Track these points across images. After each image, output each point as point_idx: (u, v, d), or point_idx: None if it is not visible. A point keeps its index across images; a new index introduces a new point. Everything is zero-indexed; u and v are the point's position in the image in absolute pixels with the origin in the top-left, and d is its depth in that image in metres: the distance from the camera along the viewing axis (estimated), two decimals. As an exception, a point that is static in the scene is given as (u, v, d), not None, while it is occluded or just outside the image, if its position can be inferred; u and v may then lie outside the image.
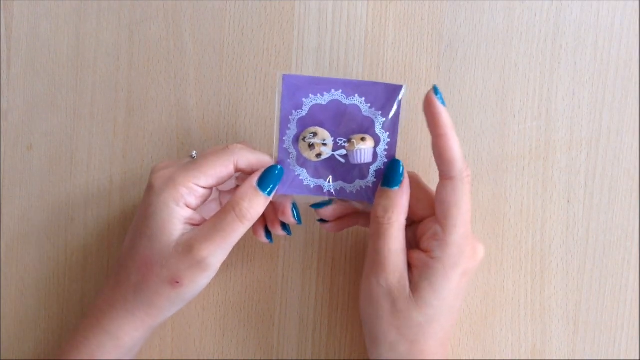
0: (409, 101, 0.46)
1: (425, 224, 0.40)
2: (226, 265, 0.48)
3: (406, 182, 0.39)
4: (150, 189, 0.40)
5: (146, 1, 0.48)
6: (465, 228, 0.38)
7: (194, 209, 0.40)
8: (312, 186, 0.41)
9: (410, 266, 0.39)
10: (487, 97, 0.47)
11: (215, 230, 0.39)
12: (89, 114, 0.48)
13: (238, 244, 0.48)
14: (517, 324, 0.47)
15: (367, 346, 0.41)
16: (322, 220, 0.44)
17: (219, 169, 0.39)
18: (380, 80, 0.47)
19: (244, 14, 0.47)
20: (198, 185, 0.39)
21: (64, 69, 0.48)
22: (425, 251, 0.39)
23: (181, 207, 0.39)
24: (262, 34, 0.47)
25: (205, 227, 0.39)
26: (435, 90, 0.37)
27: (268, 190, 0.39)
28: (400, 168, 0.39)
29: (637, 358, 0.47)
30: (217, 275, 0.48)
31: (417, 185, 0.41)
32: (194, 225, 0.40)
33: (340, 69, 0.47)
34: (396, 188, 0.39)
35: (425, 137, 0.47)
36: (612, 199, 0.47)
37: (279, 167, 0.40)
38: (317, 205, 0.43)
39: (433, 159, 0.38)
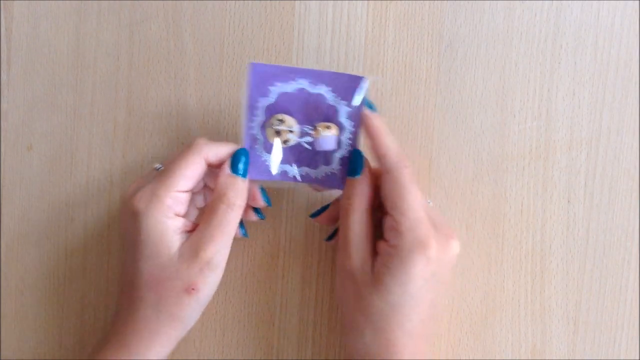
0: (409, 100, 0.47)
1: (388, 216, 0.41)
2: (226, 265, 0.48)
3: (366, 171, 0.41)
4: (135, 214, 0.40)
5: (146, 1, 0.48)
6: (415, 217, 0.38)
7: (184, 216, 0.41)
8: (278, 171, 0.43)
9: (376, 255, 0.40)
10: (487, 97, 0.47)
11: (213, 227, 0.40)
12: (89, 114, 0.48)
13: (238, 244, 0.48)
14: (517, 324, 0.47)
15: (342, 332, 0.41)
16: (313, 215, 0.45)
17: (193, 169, 0.40)
18: (381, 79, 0.47)
19: (244, 14, 0.47)
20: (180, 191, 0.40)
21: (64, 69, 0.48)
22: (386, 241, 0.40)
23: (172, 218, 0.40)
24: (262, 34, 0.47)
25: (201, 228, 0.40)
26: (366, 103, 0.41)
27: (242, 172, 0.41)
28: (360, 158, 0.41)
29: (637, 358, 0.47)
30: (217, 275, 0.48)
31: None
32: (188, 231, 0.41)
33: (340, 69, 0.47)
34: (357, 176, 0.41)
35: (413, 135, 0.47)
36: (612, 199, 0.47)
37: (243, 149, 0.42)
38: (315, 215, 0.44)
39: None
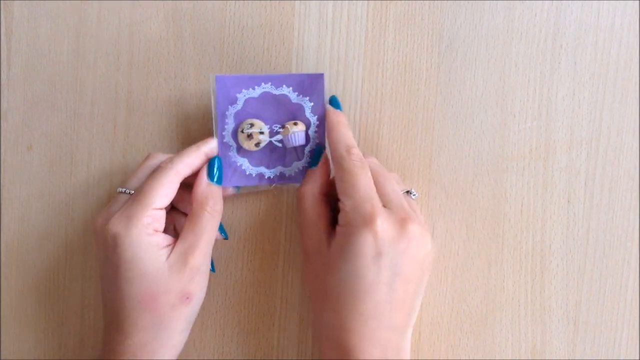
0: (409, 100, 0.47)
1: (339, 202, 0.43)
2: (226, 265, 0.48)
3: (321, 162, 0.44)
4: (115, 237, 0.40)
5: (146, 1, 0.48)
6: (359, 196, 0.40)
7: (163, 231, 0.42)
8: (254, 175, 0.45)
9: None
10: (487, 97, 0.47)
11: (198, 236, 0.41)
12: (89, 114, 0.48)
13: (238, 244, 0.48)
14: (517, 324, 0.47)
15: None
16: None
17: (169, 186, 0.41)
18: (380, 79, 0.47)
19: (244, 14, 0.47)
20: (156, 209, 0.41)
21: (64, 69, 0.48)
22: (338, 225, 0.41)
23: (152, 234, 0.40)
24: (262, 34, 0.47)
25: (186, 238, 0.41)
26: (333, 99, 0.45)
27: (218, 179, 0.43)
28: (318, 152, 0.44)
29: (637, 358, 0.47)
30: (217, 275, 0.48)
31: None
32: (170, 245, 0.41)
33: (341, 69, 0.47)
34: (314, 167, 0.44)
35: (413, 135, 0.47)
36: (612, 199, 0.47)
37: (216, 157, 0.44)
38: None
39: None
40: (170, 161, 0.42)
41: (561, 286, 0.47)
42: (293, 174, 0.45)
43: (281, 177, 0.45)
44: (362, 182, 0.40)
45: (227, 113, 0.44)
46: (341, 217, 0.40)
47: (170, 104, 0.48)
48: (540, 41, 0.47)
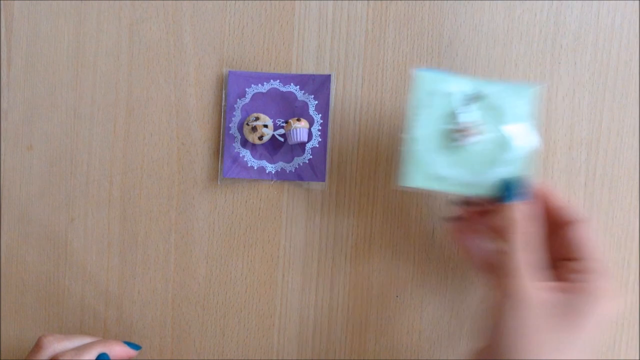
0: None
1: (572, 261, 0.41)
2: (226, 265, 0.48)
3: (531, 195, 0.40)
4: None
5: (146, 1, 0.48)
6: (605, 267, 0.39)
7: None
8: (255, 167, 0.46)
9: (550, 290, 0.39)
10: (487, 97, 0.47)
11: None
12: (89, 114, 0.48)
13: (238, 244, 0.48)
14: (517, 324, 0.47)
15: (482, 354, 0.39)
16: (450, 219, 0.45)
17: None
18: (380, 79, 0.47)
19: (244, 14, 0.47)
20: None
21: (64, 69, 0.48)
22: (565, 281, 0.39)
23: None
24: (262, 34, 0.47)
25: None
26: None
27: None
28: (524, 182, 0.40)
29: (637, 358, 0.47)
30: (217, 275, 0.48)
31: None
32: None
33: (340, 69, 0.47)
34: (522, 201, 0.40)
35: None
36: (612, 199, 0.47)
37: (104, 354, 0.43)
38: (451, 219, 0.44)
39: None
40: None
41: (561, 286, 0.47)
42: (294, 170, 0.46)
43: (282, 172, 0.46)
44: (599, 246, 0.40)
45: (235, 106, 0.46)
46: (580, 279, 0.38)
47: (170, 104, 0.48)
48: (540, 41, 0.47)
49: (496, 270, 0.40)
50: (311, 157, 0.46)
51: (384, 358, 0.48)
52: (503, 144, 0.40)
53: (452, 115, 0.40)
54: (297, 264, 0.48)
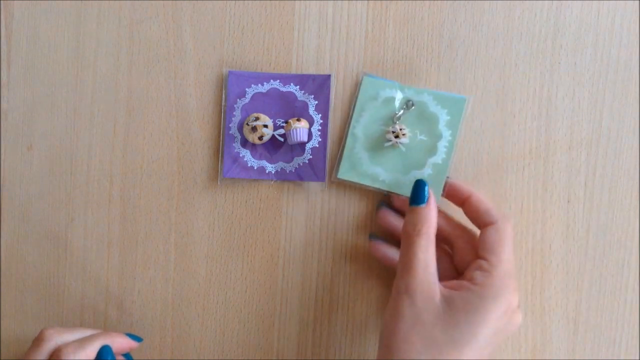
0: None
1: (467, 259, 0.43)
2: (226, 265, 0.48)
3: (432, 199, 0.42)
4: None
5: (146, 1, 0.48)
6: (509, 267, 0.40)
7: None
8: (255, 167, 0.46)
9: (447, 288, 0.40)
10: (487, 97, 0.47)
11: None
12: (89, 114, 0.48)
13: (238, 244, 0.48)
14: (517, 324, 0.47)
15: (387, 339, 0.40)
16: (372, 237, 0.46)
17: None
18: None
19: (244, 14, 0.47)
20: None
21: (64, 69, 0.48)
22: (467, 279, 0.40)
23: None
24: (262, 34, 0.47)
25: None
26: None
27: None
28: (424, 187, 0.42)
29: (637, 358, 0.47)
30: (217, 275, 0.48)
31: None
32: None
33: (340, 69, 0.47)
34: (423, 205, 0.41)
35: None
36: (612, 199, 0.47)
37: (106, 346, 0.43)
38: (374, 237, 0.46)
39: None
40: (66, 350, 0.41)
41: (561, 286, 0.47)
42: (294, 170, 0.46)
43: (282, 172, 0.46)
44: (512, 255, 0.41)
45: (235, 106, 0.46)
46: (480, 276, 0.40)
47: (170, 104, 0.48)
48: (540, 41, 0.47)
49: (397, 270, 0.41)
50: (311, 157, 0.46)
51: (384, 358, 0.48)
52: (431, 148, 0.45)
53: (389, 119, 0.45)
54: (297, 264, 0.48)
